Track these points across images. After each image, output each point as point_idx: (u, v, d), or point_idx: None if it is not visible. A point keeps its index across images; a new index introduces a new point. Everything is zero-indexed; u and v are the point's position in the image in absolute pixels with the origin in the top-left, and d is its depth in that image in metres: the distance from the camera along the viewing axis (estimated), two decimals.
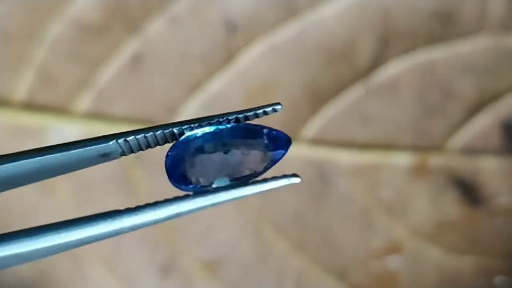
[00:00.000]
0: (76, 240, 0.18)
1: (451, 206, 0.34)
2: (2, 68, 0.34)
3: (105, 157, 0.19)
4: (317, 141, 0.34)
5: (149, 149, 0.34)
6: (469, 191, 0.34)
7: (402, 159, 0.34)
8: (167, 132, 0.18)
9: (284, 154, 0.19)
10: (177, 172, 0.18)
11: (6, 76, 0.34)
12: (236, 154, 0.18)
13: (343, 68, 0.34)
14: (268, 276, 0.34)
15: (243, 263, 0.34)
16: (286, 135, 0.19)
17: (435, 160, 0.34)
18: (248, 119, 0.18)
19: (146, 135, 0.18)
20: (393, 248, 0.34)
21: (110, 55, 0.34)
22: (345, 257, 0.34)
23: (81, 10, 0.34)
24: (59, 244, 0.18)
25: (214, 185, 0.18)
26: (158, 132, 0.18)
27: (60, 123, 0.34)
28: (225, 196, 0.18)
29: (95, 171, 0.34)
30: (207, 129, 0.18)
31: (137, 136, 0.18)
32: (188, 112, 0.34)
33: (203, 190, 0.18)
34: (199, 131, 0.18)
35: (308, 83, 0.34)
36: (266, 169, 0.19)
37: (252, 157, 0.18)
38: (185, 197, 0.18)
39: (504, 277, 0.33)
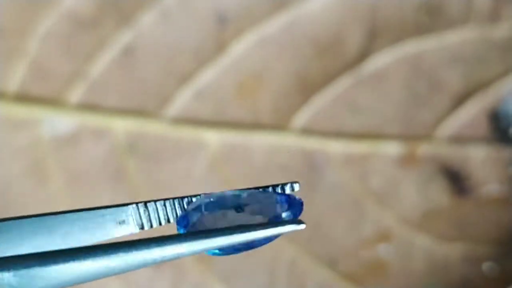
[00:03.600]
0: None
1: (439, 194, 0.34)
2: None
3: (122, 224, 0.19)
4: (307, 131, 0.35)
5: (142, 137, 0.34)
6: (457, 179, 0.34)
7: (391, 149, 0.34)
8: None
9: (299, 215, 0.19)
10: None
11: None
12: (247, 216, 0.18)
13: (332, 59, 0.35)
14: (260, 266, 0.34)
15: None
16: (300, 200, 0.19)
17: (424, 149, 0.34)
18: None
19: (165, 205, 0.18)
20: (383, 237, 0.34)
21: (102, 47, 0.35)
22: (335, 246, 0.34)
23: (73, 3, 0.35)
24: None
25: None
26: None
27: (53, 115, 0.34)
28: (230, 239, 0.18)
29: (88, 162, 0.34)
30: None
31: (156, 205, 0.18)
32: (179, 103, 0.35)
33: (208, 231, 0.18)
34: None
35: (298, 74, 0.35)
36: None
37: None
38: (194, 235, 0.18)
39: (492, 263, 0.33)
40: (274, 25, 0.35)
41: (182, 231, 0.18)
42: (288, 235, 0.34)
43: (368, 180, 0.34)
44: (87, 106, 0.35)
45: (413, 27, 0.35)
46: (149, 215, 0.18)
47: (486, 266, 0.34)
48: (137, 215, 0.18)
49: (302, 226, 0.18)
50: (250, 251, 0.34)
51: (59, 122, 0.34)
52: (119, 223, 0.18)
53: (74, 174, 0.34)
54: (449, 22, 0.35)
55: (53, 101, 0.34)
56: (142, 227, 0.18)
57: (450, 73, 0.35)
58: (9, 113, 0.34)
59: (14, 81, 0.34)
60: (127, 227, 0.18)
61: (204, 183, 0.35)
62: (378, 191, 0.34)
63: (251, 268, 0.34)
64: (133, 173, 0.34)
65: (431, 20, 0.35)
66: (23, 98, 0.34)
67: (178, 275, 0.34)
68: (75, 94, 0.35)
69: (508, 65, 0.35)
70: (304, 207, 0.34)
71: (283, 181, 0.34)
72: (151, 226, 0.18)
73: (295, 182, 0.18)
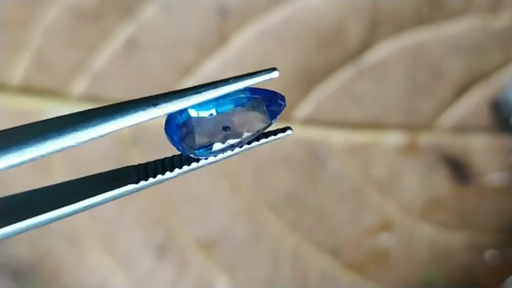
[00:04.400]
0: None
1: (441, 183, 0.34)
2: None
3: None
4: (309, 122, 0.35)
5: (146, 129, 0.35)
6: (458, 168, 0.34)
7: (393, 138, 0.35)
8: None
9: (281, 110, 0.19)
10: (177, 132, 0.18)
11: (3, 61, 0.35)
12: (240, 112, 0.18)
13: (333, 50, 0.35)
14: (262, 255, 0.34)
15: (238, 242, 0.35)
16: (280, 94, 0.19)
17: (425, 139, 0.35)
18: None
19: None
20: (385, 226, 0.34)
21: (105, 39, 0.35)
22: (338, 235, 0.34)
23: None
24: None
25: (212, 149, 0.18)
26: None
27: (56, 107, 0.34)
28: (223, 155, 0.18)
29: (91, 151, 0.34)
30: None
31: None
32: None
33: (205, 155, 0.18)
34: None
35: (299, 66, 0.35)
36: (265, 128, 0.19)
37: (255, 115, 0.18)
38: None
39: (494, 251, 0.34)
40: (275, 17, 0.35)
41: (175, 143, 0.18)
42: (290, 224, 0.34)
43: (370, 169, 0.35)
44: (90, 98, 0.35)
45: (414, 18, 0.35)
46: (147, 172, 0.19)
47: (488, 254, 0.34)
48: (136, 172, 0.19)
49: (290, 132, 0.18)
50: (252, 241, 0.34)
51: (62, 114, 0.34)
52: (119, 178, 0.19)
53: (77, 166, 0.34)
54: (450, 12, 0.35)
55: (56, 93, 0.35)
56: (139, 180, 0.18)
57: (451, 63, 0.35)
58: (13, 105, 0.34)
59: (18, 73, 0.35)
60: (126, 182, 0.18)
61: (207, 175, 0.35)
62: (380, 180, 0.35)
63: (254, 257, 0.34)
64: (137, 162, 0.34)
65: (431, 11, 0.35)
66: (26, 90, 0.35)
67: (181, 265, 0.34)
68: (78, 86, 0.35)
69: (508, 54, 0.35)
70: (307, 196, 0.35)
71: (286, 174, 0.35)
72: (148, 179, 0.19)
73: (273, 69, 0.18)
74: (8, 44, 0.35)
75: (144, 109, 0.18)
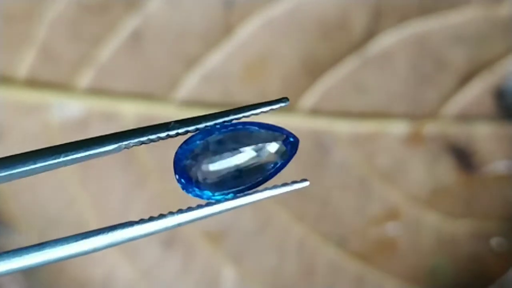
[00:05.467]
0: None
1: (446, 172, 0.34)
2: (4, 47, 0.35)
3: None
4: (314, 112, 0.35)
5: (152, 122, 0.35)
6: (463, 157, 0.34)
7: (398, 128, 0.35)
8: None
9: (294, 154, 0.19)
10: (184, 174, 0.18)
11: (8, 54, 0.35)
12: (247, 152, 0.18)
13: (338, 40, 0.35)
14: (269, 246, 0.35)
15: (245, 233, 0.35)
16: (295, 136, 0.19)
17: (430, 128, 0.35)
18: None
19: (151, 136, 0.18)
20: (391, 215, 0.34)
21: (110, 32, 0.35)
22: (344, 225, 0.35)
23: None
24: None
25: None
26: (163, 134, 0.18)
27: (62, 99, 0.35)
28: (233, 203, 0.18)
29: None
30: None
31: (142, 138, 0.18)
32: (187, 86, 0.35)
33: (214, 201, 0.18)
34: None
35: (304, 56, 0.35)
36: (277, 171, 0.19)
37: (265, 153, 0.18)
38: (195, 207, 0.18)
39: (500, 238, 0.34)
40: (280, 8, 0.35)
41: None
42: (296, 215, 0.34)
43: (376, 159, 0.35)
44: (96, 91, 0.35)
45: (418, 7, 0.35)
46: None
47: (494, 241, 0.34)
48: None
49: (307, 183, 0.18)
50: (259, 232, 0.34)
51: (68, 107, 0.35)
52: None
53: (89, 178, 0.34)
54: (453, 2, 0.35)
55: (62, 86, 0.35)
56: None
57: (454, 52, 0.35)
58: (19, 98, 0.34)
59: (24, 66, 0.35)
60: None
61: None
62: (385, 170, 0.35)
63: (260, 248, 0.35)
64: (143, 156, 0.35)
65: (435, 0, 0.35)
66: (32, 83, 0.35)
67: (188, 256, 0.34)
68: (84, 79, 0.35)
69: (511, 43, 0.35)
70: (313, 186, 0.35)
71: (292, 164, 0.35)
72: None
73: (285, 100, 0.18)
74: (14, 38, 0.35)
75: (158, 131, 0.18)
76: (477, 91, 0.35)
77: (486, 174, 0.34)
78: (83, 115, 0.35)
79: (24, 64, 0.35)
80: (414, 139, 0.35)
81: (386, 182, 0.35)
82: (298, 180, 0.18)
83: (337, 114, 0.35)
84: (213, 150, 0.18)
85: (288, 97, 0.18)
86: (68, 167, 0.18)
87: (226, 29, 0.35)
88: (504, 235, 0.34)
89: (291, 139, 0.18)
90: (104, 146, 0.18)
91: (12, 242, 0.34)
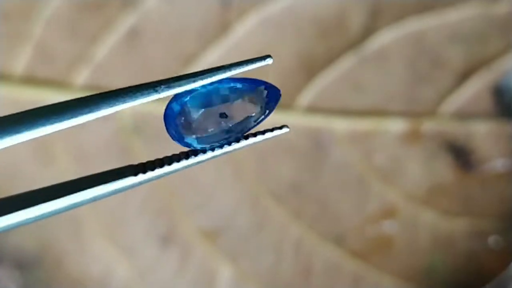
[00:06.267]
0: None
1: (444, 170, 0.34)
2: (1, 44, 0.35)
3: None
4: (312, 110, 0.35)
5: (148, 118, 0.35)
6: (461, 155, 0.34)
7: (395, 125, 0.35)
8: None
9: (277, 103, 0.19)
10: (175, 124, 0.19)
11: (5, 52, 0.35)
12: (237, 103, 0.18)
13: (335, 38, 0.35)
14: (266, 244, 0.34)
15: (242, 231, 0.35)
16: (275, 87, 0.19)
17: (428, 126, 0.35)
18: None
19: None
20: (388, 213, 0.34)
21: (107, 30, 0.35)
22: (341, 223, 0.35)
23: None
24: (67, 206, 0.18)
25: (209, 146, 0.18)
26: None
27: (59, 97, 0.34)
28: (221, 151, 0.19)
29: (95, 142, 0.34)
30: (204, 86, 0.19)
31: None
32: None
33: (202, 149, 0.19)
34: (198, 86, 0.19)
35: (301, 54, 0.35)
36: (263, 118, 0.19)
37: (252, 105, 0.19)
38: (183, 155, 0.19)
39: (497, 236, 0.34)
40: (277, 6, 0.35)
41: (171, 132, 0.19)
42: (293, 213, 0.34)
43: (373, 157, 0.35)
44: (92, 88, 0.35)
45: (415, 5, 0.35)
46: (145, 168, 0.19)
47: (491, 239, 0.34)
48: (135, 169, 0.19)
49: (287, 129, 0.19)
50: (256, 230, 0.34)
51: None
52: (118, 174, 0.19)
53: (80, 155, 0.34)
54: (451, 0, 0.35)
55: (58, 83, 0.35)
56: (138, 173, 0.19)
57: (452, 50, 0.35)
58: (15, 96, 0.34)
59: (20, 63, 0.35)
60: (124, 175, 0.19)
61: (210, 163, 0.35)
62: (383, 168, 0.35)
63: (258, 247, 0.34)
64: (139, 153, 0.34)
65: None
66: (29, 80, 0.35)
67: (185, 254, 0.34)
68: (81, 76, 0.35)
69: (509, 41, 0.35)
70: (310, 184, 0.35)
71: (289, 162, 0.35)
72: (146, 171, 0.19)
73: (267, 57, 0.19)
74: (10, 35, 0.35)
75: (144, 93, 0.18)
76: (474, 89, 0.35)
77: (484, 172, 0.34)
78: None
79: (21, 61, 0.35)
80: (412, 137, 0.35)
81: (383, 180, 0.35)
82: (279, 126, 0.19)
83: (334, 112, 0.35)
84: (201, 105, 0.18)
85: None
86: None
87: (223, 27, 0.35)
88: (501, 233, 0.34)
89: (273, 90, 0.19)
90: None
91: None
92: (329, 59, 0.35)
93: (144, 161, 0.20)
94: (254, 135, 0.19)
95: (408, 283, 0.34)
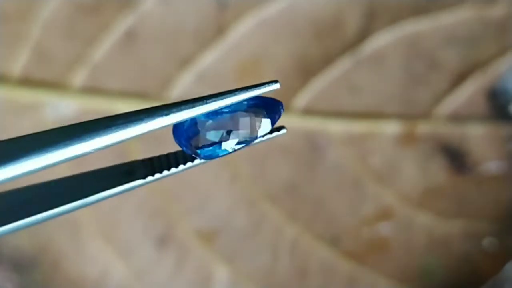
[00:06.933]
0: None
1: (439, 172, 0.35)
2: None
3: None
4: (308, 112, 0.35)
5: None
6: (456, 157, 0.35)
7: (391, 128, 0.35)
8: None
9: (280, 116, 0.20)
10: (183, 135, 0.19)
11: (3, 53, 0.35)
12: (244, 116, 0.19)
13: (331, 41, 0.35)
14: (262, 245, 0.35)
15: (238, 232, 0.35)
16: (279, 101, 0.20)
17: (423, 128, 0.35)
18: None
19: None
20: (384, 215, 0.35)
21: (104, 31, 0.35)
22: (337, 225, 0.35)
23: None
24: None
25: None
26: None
27: (56, 99, 0.35)
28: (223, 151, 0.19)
29: None
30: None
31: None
32: (181, 86, 0.35)
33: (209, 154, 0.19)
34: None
35: (298, 56, 0.35)
36: (268, 132, 0.20)
37: (256, 120, 0.19)
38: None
39: (492, 238, 0.34)
40: (273, 8, 0.35)
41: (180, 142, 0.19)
42: (289, 214, 0.34)
43: (369, 159, 0.35)
44: (90, 90, 0.35)
45: (411, 8, 0.35)
46: (153, 167, 0.19)
47: (486, 241, 0.34)
48: (143, 167, 0.19)
49: (284, 131, 0.20)
50: (252, 231, 0.34)
51: (62, 106, 0.35)
52: (126, 173, 0.19)
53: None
54: (446, 3, 0.35)
55: (56, 85, 0.35)
56: (147, 176, 0.19)
57: (447, 52, 0.35)
58: (13, 97, 0.35)
59: (17, 65, 0.35)
60: (133, 177, 0.19)
61: (207, 165, 0.35)
62: (378, 170, 0.35)
63: (254, 248, 0.35)
64: (137, 156, 0.35)
65: (428, 1, 0.35)
66: (26, 82, 0.35)
67: (181, 255, 0.34)
68: (78, 78, 0.35)
69: (504, 44, 0.35)
70: (306, 186, 0.35)
71: (285, 163, 0.35)
72: (154, 174, 0.19)
73: (275, 82, 0.19)
74: (8, 37, 0.35)
75: (155, 118, 0.18)
76: (469, 92, 0.35)
77: (479, 174, 0.34)
78: (77, 114, 0.35)
79: (18, 63, 0.35)
80: (407, 139, 0.35)
81: (379, 182, 0.35)
82: (277, 127, 0.20)
83: (330, 114, 0.35)
84: (209, 117, 0.19)
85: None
86: None
87: (220, 29, 0.35)
88: (496, 235, 0.34)
89: (276, 104, 0.20)
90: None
91: None
92: (325, 61, 0.35)
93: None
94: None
95: (403, 284, 0.34)
